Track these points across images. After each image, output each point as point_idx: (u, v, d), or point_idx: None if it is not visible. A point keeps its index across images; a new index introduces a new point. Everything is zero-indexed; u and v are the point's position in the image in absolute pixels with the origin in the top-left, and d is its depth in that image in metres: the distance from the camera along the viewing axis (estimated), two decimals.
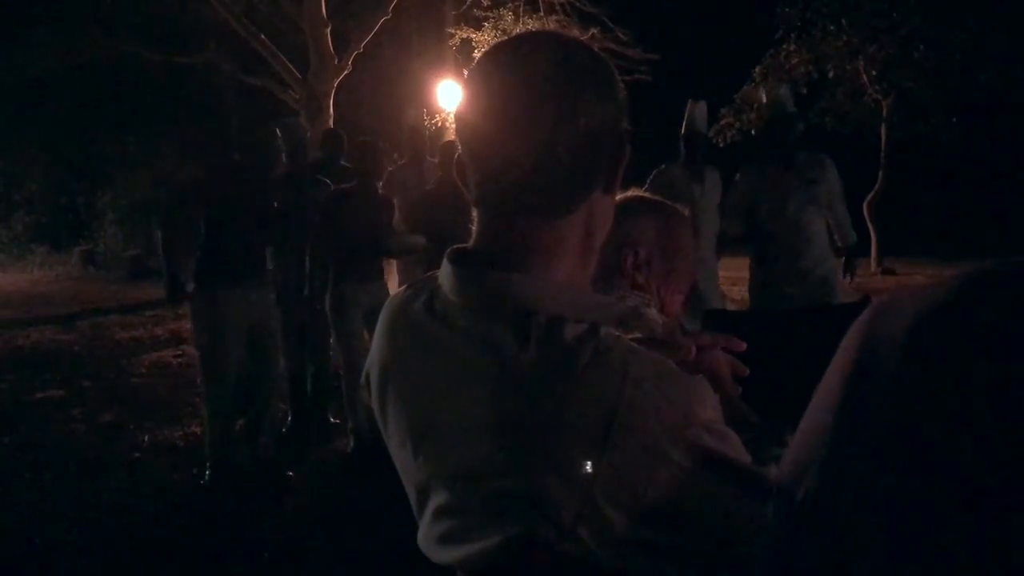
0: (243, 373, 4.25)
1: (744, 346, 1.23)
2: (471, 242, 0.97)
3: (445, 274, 0.95)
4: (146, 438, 5.06)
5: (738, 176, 4.80)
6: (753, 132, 4.64)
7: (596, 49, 0.97)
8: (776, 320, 3.53)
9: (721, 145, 15.04)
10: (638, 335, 0.99)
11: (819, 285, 4.52)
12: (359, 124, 6.57)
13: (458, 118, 0.94)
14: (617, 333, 0.86)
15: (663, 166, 5.33)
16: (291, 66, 11.08)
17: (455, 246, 0.98)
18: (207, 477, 4.20)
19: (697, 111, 5.33)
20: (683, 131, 5.33)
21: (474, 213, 0.96)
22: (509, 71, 0.90)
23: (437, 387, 0.92)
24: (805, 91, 15.04)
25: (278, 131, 4.94)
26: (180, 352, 7.77)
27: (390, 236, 4.78)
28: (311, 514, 3.95)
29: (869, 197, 14.76)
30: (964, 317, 0.47)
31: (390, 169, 6.54)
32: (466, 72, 0.97)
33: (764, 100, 5.08)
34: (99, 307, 11.12)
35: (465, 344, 0.89)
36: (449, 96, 13.85)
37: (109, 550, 3.57)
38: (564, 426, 0.80)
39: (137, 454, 4.81)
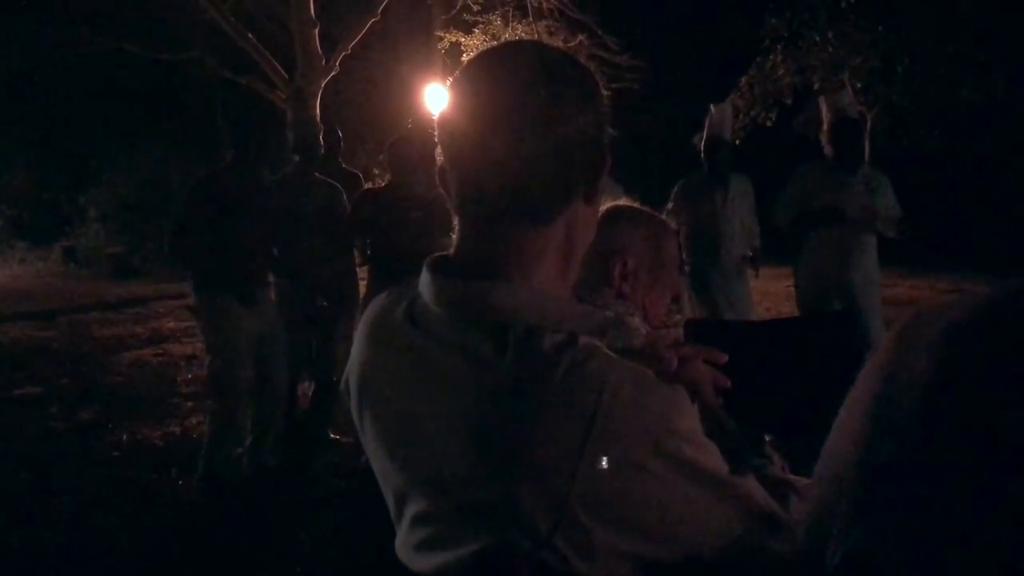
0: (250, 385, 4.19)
1: (725, 358, 1.24)
2: (452, 249, 0.97)
3: (424, 282, 0.95)
4: (124, 437, 5.02)
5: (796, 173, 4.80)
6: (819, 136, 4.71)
7: (581, 58, 0.98)
8: (756, 330, 3.56)
9: None
10: (618, 345, 1.00)
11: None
12: (345, 125, 6.56)
13: (440, 125, 0.95)
14: (596, 343, 0.87)
15: (684, 178, 5.27)
16: (278, 66, 11.04)
17: (434, 255, 0.98)
18: (195, 480, 4.10)
19: (719, 116, 5.22)
20: (703, 139, 5.23)
21: (455, 221, 0.97)
22: (490, 80, 0.92)
23: (415, 394, 0.92)
24: (790, 101, 15.14)
25: (289, 130, 4.90)
26: (160, 351, 7.73)
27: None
28: (294, 524, 3.91)
29: None
30: (997, 332, 0.48)
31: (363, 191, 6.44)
32: (452, 78, 0.97)
33: (827, 107, 4.87)
34: (79, 304, 11.02)
35: (443, 352, 0.90)
36: (436, 99, 13.86)
37: (85, 550, 3.55)
38: (541, 435, 0.80)
39: (116, 453, 4.77)
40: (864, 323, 4.46)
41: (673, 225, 5.16)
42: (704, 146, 5.20)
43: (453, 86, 0.94)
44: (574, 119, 0.89)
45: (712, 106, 5.25)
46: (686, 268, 5.21)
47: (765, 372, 2.91)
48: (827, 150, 4.68)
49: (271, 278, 4.49)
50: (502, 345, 0.85)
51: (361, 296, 4.56)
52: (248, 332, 4.05)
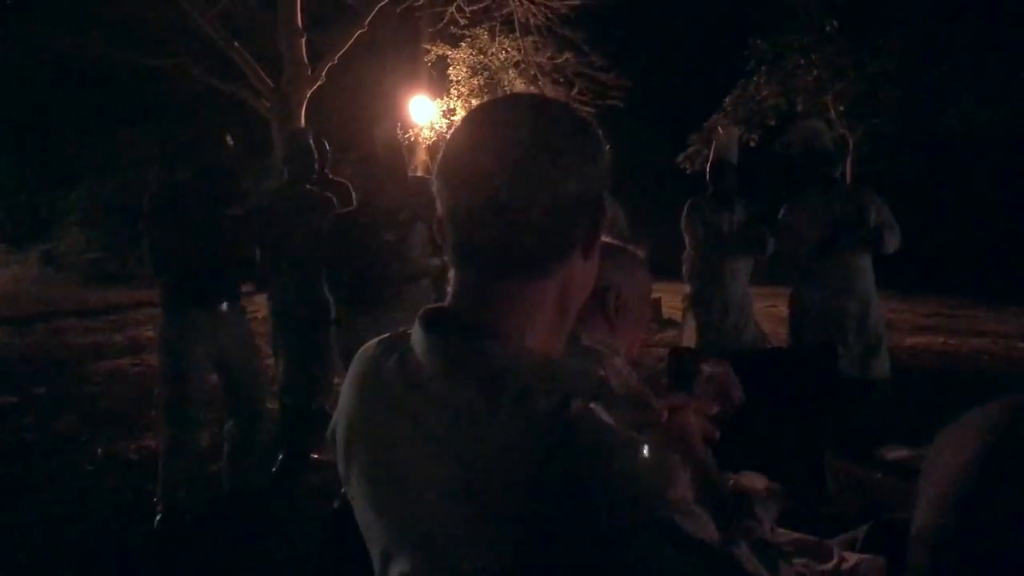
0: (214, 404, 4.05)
1: (715, 410, 1.24)
2: (447, 301, 0.96)
3: (417, 337, 0.94)
4: (99, 450, 4.95)
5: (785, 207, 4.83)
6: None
7: (582, 114, 0.98)
8: (740, 361, 3.56)
9: (688, 172, 15.19)
10: (611, 396, 0.99)
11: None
12: (330, 136, 6.55)
13: (439, 176, 0.94)
14: (589, 406, 0.86)
15: (691, 199, 5.23)
16: (263, 74, 11.01)
17: (429, 307, 0.98)
18: (156, 522, 3.78)
19: (727, 139, 5.21)
20: (711, 160, 5.20)
21: (450, 273, 0.97)
22: (490, 134, 0.92)
23: (403, 451, 0.91)
24: (773, 123, 15.26)
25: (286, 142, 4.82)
26: (138, 360, 7.65)
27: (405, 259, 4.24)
28: (273, 546, 3.82)
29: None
30: None
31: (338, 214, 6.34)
32: (453, 129, 0.97)
33: (798, 135, 4.96)
34: (57, 310, 10.91)
35: (434, 410, 0.88)
36: (422, 111, 13.87)
37: (53, 568, 3.48)
38: (531, 502, 0.79)
39: (89, 467, 4.70)
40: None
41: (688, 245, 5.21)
42: (710, 169, 5.18)
43: (453, 137, 0.95)
44: (573, 176, 0.89)
45: (720, 128, 5.33)
46: (688, 292, 5.21)
47: (754, 404, 2.92)
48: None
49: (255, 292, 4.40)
50: (495, 406, 0.84)
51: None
52: (212, 349, 3.88)
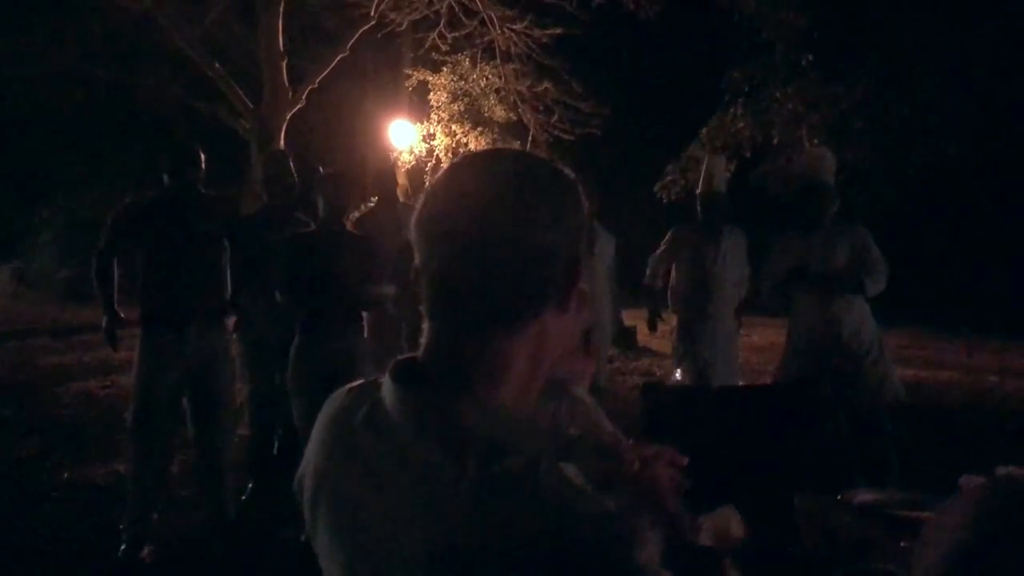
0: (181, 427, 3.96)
1: (686, 461, 1.25)
2: (420, 352, 0.96)
3: (388, 389, 0.94)
4: (66, 475, 4.87)
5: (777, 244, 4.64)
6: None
7: (562, 168, 0.99)
8: (712, 398, 3.58)
9: (665, 201, 15.31)
10: (582, 451, 1.00)
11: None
12: (310, 158, 6.55)
13: (416, 226, 0.95)
14: (558, 466, 0.86)
15: (676, 227, 5.19)
16: (243, 96, 10.99)
17: (399, 358, 0.97)
18: (121, 552, 3.69)
19: (714, 166, 5.16)
20: (700, 190, 5.15)
21: (424, 325, 0.96)
22: (470, 186, 0.93)
23: (369, 507, 0.90)
24: (748, 154, 15.44)
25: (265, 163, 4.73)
26: (108, 382, 7.55)
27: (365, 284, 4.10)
28: None
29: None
30: None
31: (360, 213, 6.31)
32: (432, 181, 0.98)
33: (796, 166, 4.91)
34: (27, 329, 10.77)
35: (403, 467, 0.88)
36: (402, 135, 13.89)
37: None
38: (498, 565, 0.79)
39: (55, 493, 4.63)
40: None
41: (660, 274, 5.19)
42: (700, 198, 5.11)
43: (432, 188, 0.95)
44: (551, 232, 0.90)
45: (707, 156, 5.31)
46: (676, 323, 5.19)
47: (723, 440, 2.94)
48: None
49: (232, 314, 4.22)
50: (463, 466, 0.83)
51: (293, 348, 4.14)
52: (181, 373, 3.82)
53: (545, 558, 0.78)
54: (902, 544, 1.91)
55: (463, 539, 0.81)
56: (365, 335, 4.27)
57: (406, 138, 13.85)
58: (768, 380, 7.88)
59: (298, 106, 10.84)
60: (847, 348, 4.32)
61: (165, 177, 3.97)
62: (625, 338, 11.39)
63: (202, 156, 4.04)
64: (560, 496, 0.82)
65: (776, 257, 4.61)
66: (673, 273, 5.21)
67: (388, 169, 5.87)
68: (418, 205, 0.96)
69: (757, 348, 12.80)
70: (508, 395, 0.92)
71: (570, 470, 0.85)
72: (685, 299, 5.11)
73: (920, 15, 13.54)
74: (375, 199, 7.99)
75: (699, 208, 5.10)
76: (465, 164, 0.98)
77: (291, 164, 4.86)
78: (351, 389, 1.02)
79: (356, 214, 5.99)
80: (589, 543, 0.80)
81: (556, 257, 0.91)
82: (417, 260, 0.95)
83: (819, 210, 4.38)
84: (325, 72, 11.16)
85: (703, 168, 5.18)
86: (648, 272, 5.31)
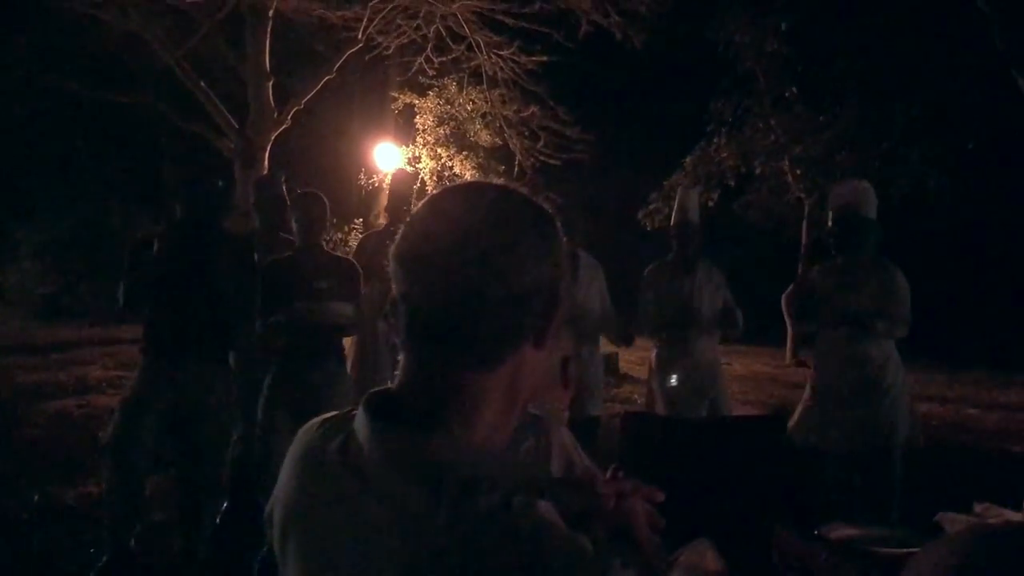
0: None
1: (663, 497, 1.24)
2: (394, 384, 0.95)
3: (361, 422, 0.92)
4: (36, 497, 4.79)
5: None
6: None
7: (540, 203, 0.99)
8: (689, 428, 3.58)
9: (649, 229, 15.39)
10: (557, 488, 0.98)
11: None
12: (296, 180, 6.55)
13: (394, 258, 0.94)
14: (531, 504, 0.85)
15: (654, 264, 5.09)
16: (229, 116, 10.98)
17: (374, 390, 0.96)
18: (102, 562, 3.62)
19: (688, 199, 5.07)
20: (674, 221, 5.07)
21: (399, 356, 0.96)
22: (449, 220, 0.92)
23: (340, 543, 0.89)
24: (733, 184, 15.59)
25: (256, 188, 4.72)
26: (84, 402, 7.46)
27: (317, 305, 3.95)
28: None
29: (787, 290, 15.21)
30: None
31: (367, 234, 6.26)
32: (412, 214, 0.97)
33: (678, 204, 4.97)
34: (3, 346, 10.63)
35: (375, 502, 0.86)
36: (387, 158, 13.92)
37: None
38: None
39: (25, 515, 4.54)
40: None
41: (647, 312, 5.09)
42: (675, 230, 5.03)
43: (411, 221, 0.95)
44: (530, 267, 0.90)
45: (680, 189, 5.18)
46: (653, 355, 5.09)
47: (702, 471, 2.94)
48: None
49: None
50: (436, 503, 0.82)
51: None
52: (169, 409, 3.72)
53: None
54: None
55: (437, 574, 0.80)
56: (347, 364, 4.23)
57: (391, 160, 13.87)
58: (752, 410, 7.88)
59: (283, 126, 10.83)
60: (867, 387, 4.18)
61: (178, 208, 3.92)
62: (607, 365, 11.40)
63: (221, 186, 3.97)
64: (534, 534, 0.81)
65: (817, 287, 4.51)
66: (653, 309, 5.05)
67: (401, 188, 5.53)
68: (398, 236, 0.95)
69: (739, 377, 12.83)
70: (483, 431, 0.91)
71: (544, 508, 0.84)
72: (661, 332, 5.01)
73: (901, 50, 13.75)
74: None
75: (673, 241, 5.04)
76: (446, 197, 0.97)
77: (283, 189, 4.86)
78: (324, 420, 1.01)
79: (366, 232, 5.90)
80: None
81: (536, 293, 0.91)
82: (395, 291, 0.94)
83: (859, 241, 4.31)
84: (311, 93, 11.18)
85: (676, 201, 5.13)
86: (639, 319, 5.14)
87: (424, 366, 0.92)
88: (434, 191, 1.00)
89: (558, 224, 0.97)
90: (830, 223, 4.49)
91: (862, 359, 4.21)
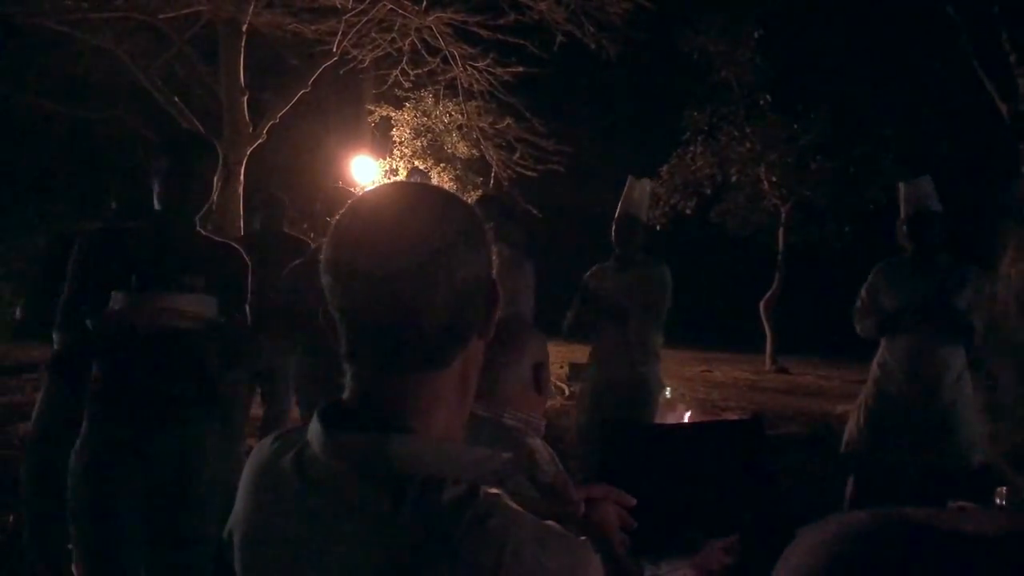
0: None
1: (634, 501, 1.23)
2: (344, 395, 0.94)
3: (315, 432, 0.91)
4: (11, 519, 4.71)
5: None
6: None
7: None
8: (668, 434, 3.57)
9: None
10: (522, 489, 0.98)
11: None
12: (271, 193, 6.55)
13: (327, 270, 0.91)
14: (497, 493, 0.84)
15: (598, 264, 4.81)
16: (203, 130, 10.92)
17: (326, 401, 0.94)
18: None
19: (634, 190, 4.72)
20: (617, 214, 4.71)
21: (344, 366, 0.94)
22: (380, 228, 0.89)
23: (304, 555, 0.87)
24: (709, 192, 15.70)
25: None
26: None
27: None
28: None
29: (765, 297, 15.34)
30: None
31: (290, 267, 6.37)
32: (342, 217, 0.95)
33: (905, 197, 4.36)
34: None
35: (335, 510, 0.85)
36: (364, 171, 13.90)
37: None
38: None
39: (1, 535, 4.47)
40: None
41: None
42: (615, 225, 4.68)
43: (341, 232, 0.92)
44: (469, 262, 0.90)
45: (629, 177, 4.78)
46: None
47: (681, 476, 2.93)
48: (904, 243, 4.27)
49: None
50: (399, 500, 0.82)
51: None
52: (130, 486, 2.56)
53: None
54: None
55: (409, 572, 0.79)
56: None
57: (368, 173, 13.85)
58: (733, 415, 7.84)
59: (258, 141, 10.78)
60: (941, 401, 3.89)
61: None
62: (578, 373, 11.40)
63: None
64: (501, 522, 0.81)
65: (883, 285, 4.27)
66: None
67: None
68: (324, 247, 0.93)
69: (719, 384, 12.88)
70: (440, 428, 0.91)
71: (509, 498, 0.84)
72: (595, 331, 4.72)
73: (874, 56, 13.94)
74: None
75: (614, 237, 4.68)
76: (369, 203, 0.94)
77: (283, 195, 5.34)
78: (277, 437, 1.00)
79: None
80: (532, 568, 0.79)
81: (479, 288, 0.91)
82: (331, 305, 0.92)
83: (935, 238, 4.09)
84: (286, 108, 11.14)
85: (624, 191, 4.71)
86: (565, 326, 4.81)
87: (375, 374, 0.91)
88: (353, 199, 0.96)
89: (480, 213, 0.96)
90: (905, 222, 4.22)
91: (942, 370, 3.91)
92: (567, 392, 9.73)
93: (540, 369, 1.73)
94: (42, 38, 11.42)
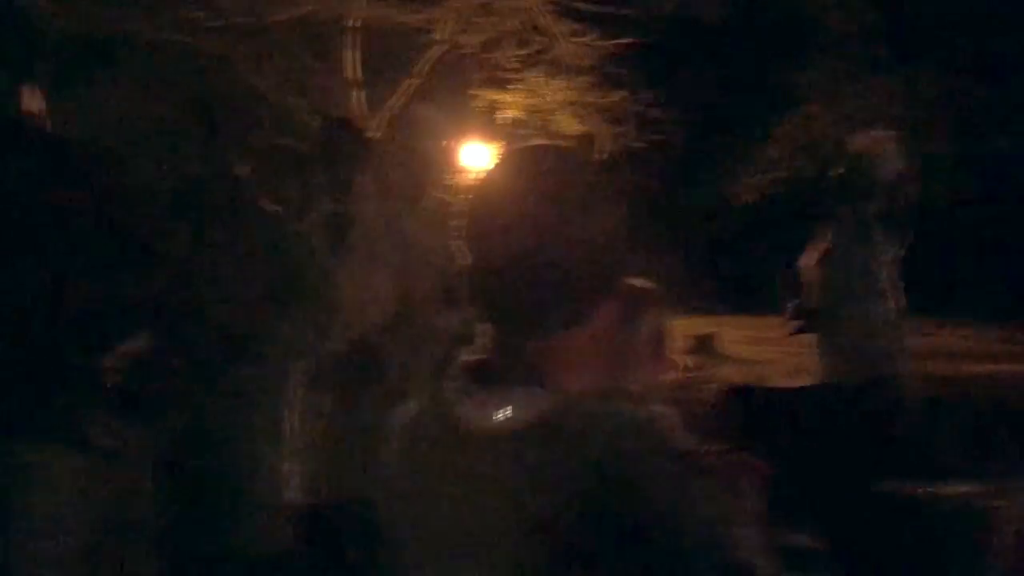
0: None
1: (771, 470, 1.25)
2: (484, 356, 0.98)
3: (456, 390, 0.97)
4: None
5: None
6: None
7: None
8: (792, 397, 3.53)
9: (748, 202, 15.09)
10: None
11: None
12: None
13: (469, 234, 0.97)
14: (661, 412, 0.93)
15: None
16: (322, 128, 11.19)
17: (466, 359, 0.98)
18: None
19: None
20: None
21: (480, 327, 0.99)
22: (516, 190, 0.95)
23: (457, 509, 0.94)
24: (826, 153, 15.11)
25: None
26: None
27: None
28: None
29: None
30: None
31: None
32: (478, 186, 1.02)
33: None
34: None
35: (486, 459, 0.91)
36: (475, 157, 13.99)
37: None
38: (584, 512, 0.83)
39: None
40: None
41: None
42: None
43: (482, 194, 0.99)
44: (605, 223, 0.94)
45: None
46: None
47: (810, 440, 2.92)
48: None
49: None
50: (552, 452, 0.87)
51: None
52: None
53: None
54: None
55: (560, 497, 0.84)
56: None
57: (480, 159, 13.94)
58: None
59: (375, 135, 10.99)
60: None
61: None
62: (705, 345, 11.25)
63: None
64: (666, 431, 0.90)
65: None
66: None
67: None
68: (469, 210, 0.98)
69: None
70: (579, 386, 0.94)
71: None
72: None
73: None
74: None
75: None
76: (510, 166, 1.01)
77: None
78: (420, 399, 1.06)
79: None
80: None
81: (611, 246, 0.94)
82: (470, 266, 0.97)
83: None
84: (402, 100, 11.26)
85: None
86: None
87: (511, 336, 0.95)
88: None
89: (610, 173, 1.01)
90: None
91: None
92: (688, 364, 9.65)
93: (661, 335, 1.73)
94: (158, 50, 11.85)
